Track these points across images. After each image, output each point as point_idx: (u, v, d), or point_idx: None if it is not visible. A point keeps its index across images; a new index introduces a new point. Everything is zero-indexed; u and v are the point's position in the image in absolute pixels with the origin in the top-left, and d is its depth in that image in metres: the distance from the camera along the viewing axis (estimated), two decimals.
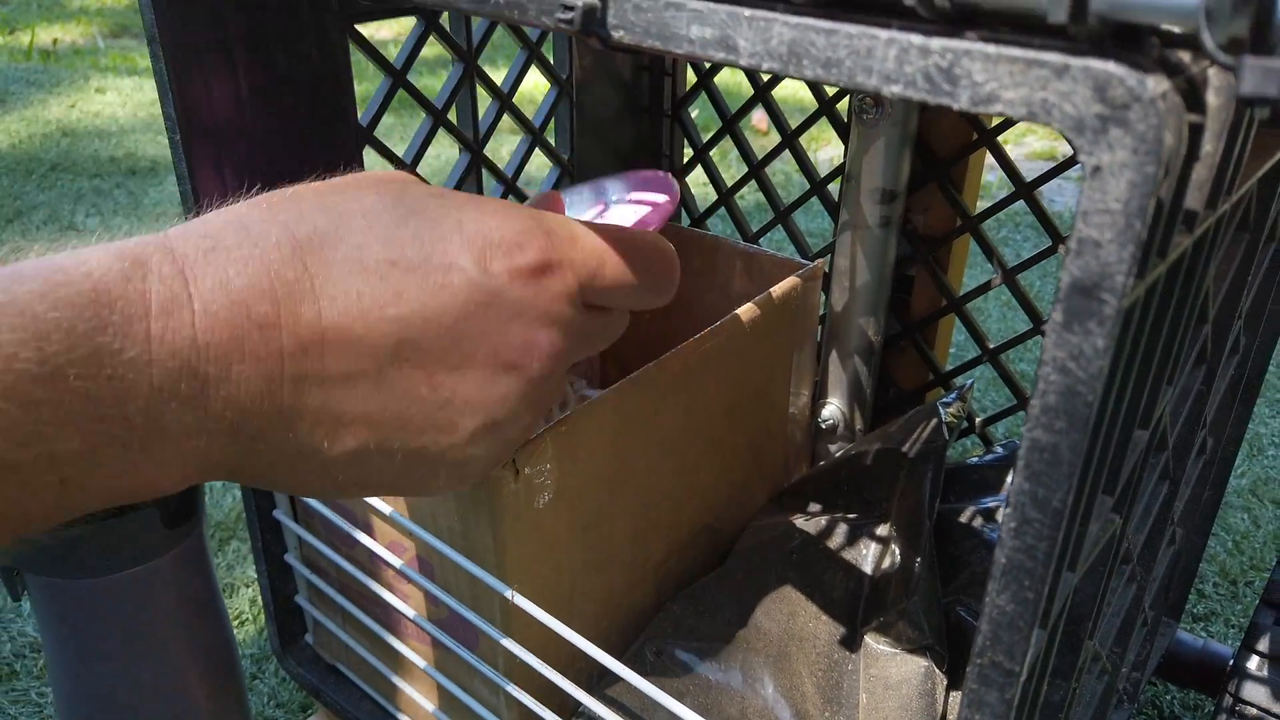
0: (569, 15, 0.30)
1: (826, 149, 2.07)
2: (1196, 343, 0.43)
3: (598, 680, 0.51)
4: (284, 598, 0.65)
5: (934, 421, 0.59)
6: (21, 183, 1.81)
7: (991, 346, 0.69)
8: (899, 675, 0.52)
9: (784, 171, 1.93)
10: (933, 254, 0.69)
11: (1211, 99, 0.25)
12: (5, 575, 0.56)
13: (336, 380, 0.31)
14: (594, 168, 0.80)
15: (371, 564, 0.56)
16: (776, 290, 0.61)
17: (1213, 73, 0.25)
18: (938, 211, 0.69)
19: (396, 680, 0.59)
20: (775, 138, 1.99)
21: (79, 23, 3.55)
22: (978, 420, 0.72)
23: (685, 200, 0.83)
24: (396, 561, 0.53)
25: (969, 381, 0.70)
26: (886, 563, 0.58)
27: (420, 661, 0.56)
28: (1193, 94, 0.24)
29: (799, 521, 0.62)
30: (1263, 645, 0.55)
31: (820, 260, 0.66)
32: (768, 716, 0.52)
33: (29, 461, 0.27)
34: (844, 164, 0.65)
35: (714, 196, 0.82)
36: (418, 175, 0.49)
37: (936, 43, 0.24)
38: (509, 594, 0.46)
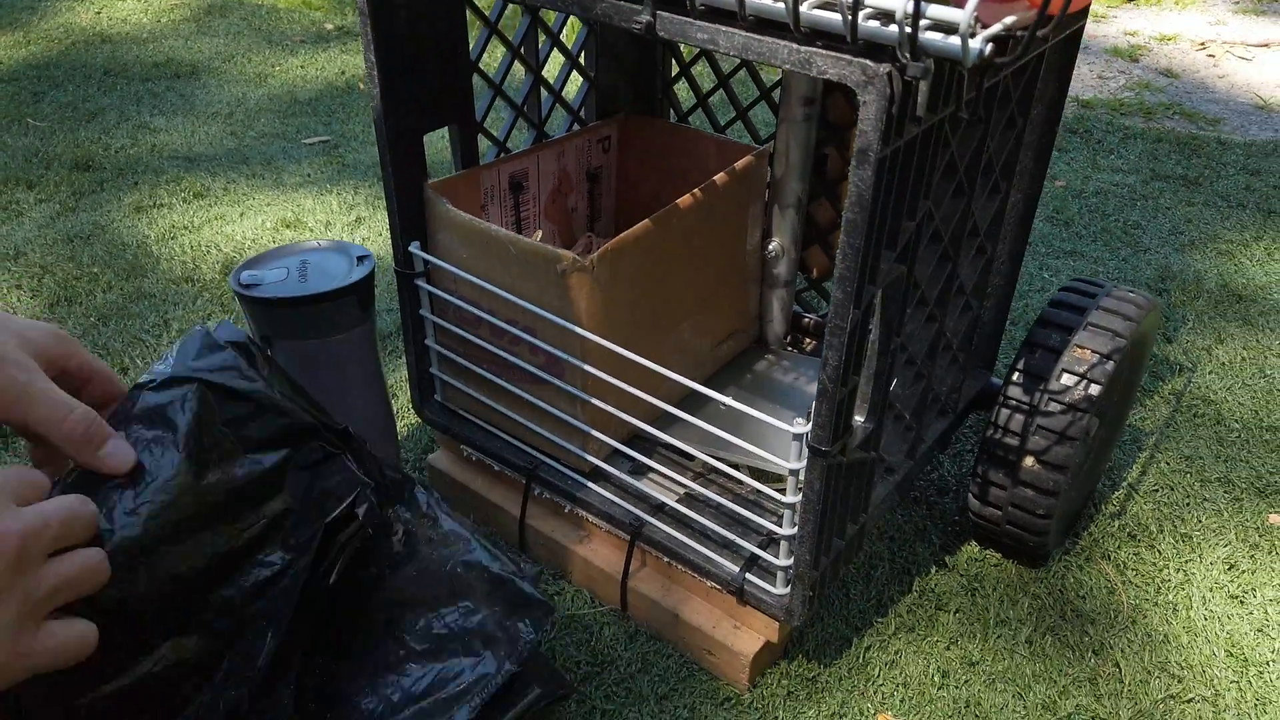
0: (639, 25, 0.63)
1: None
2: (950, 183, 0.78)
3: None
4: (423, 370, 1.00)
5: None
6: (83, 86, 2.08)
7: None
8: None
9: (743, 80, 2.23)
10: (840, 138, 1.04)
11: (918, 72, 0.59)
12: (264, 339, 0.91)
13: None
14: (609, 81, 1.12)
15: (492, 335, 0.91)
16: (739, 165, 0.95)
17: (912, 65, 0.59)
18: (842, 109, 1.03)
19: (504, 410, 0.95)
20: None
21: None
22: None
23: (673, 100, 1.16)
24: (514, 330, 0.88)
25: None
26: None
27: (524, 394, 0.92)
28: (904, 71, 0.59)
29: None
30: (1014, 380, 0.93)
31: (767, 144, 1.00)
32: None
33: None
34: (781, 78, 0.99)
35: (694, 100, 1.14)
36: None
37: (804, 49, 0.58)
38: (581, 332, 0.82)
